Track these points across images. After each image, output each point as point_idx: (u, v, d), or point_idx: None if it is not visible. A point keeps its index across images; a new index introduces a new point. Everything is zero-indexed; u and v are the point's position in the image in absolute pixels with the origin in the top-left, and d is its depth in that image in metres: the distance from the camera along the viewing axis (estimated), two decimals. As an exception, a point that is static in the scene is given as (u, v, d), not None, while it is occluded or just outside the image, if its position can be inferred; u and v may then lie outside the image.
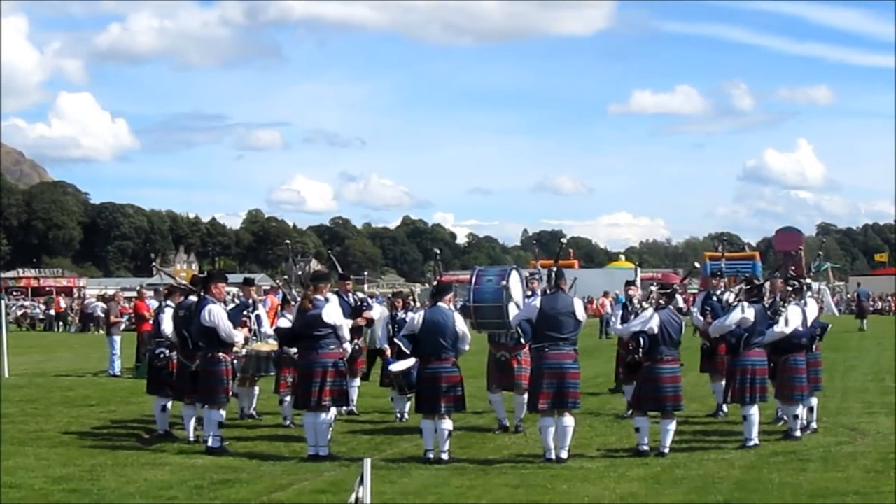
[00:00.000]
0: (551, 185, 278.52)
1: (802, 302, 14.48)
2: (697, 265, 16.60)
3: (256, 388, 16.85)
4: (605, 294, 48.03)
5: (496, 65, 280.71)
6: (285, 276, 19.34)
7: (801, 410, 14.11)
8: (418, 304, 15.54)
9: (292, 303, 15.56)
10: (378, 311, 17.43)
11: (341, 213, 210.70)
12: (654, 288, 13.90)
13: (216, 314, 13.30)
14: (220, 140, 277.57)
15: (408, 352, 12.99)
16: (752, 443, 13.26)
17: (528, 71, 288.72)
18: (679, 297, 15.13)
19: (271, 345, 16.01)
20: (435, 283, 14.18)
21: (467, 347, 13.03)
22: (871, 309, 59.56)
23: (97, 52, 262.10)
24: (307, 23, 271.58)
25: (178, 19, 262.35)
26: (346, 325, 13.39)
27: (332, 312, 13.00)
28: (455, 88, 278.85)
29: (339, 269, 18.00)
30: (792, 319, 13.98)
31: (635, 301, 16.42)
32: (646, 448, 12.84)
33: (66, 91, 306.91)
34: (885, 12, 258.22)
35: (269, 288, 26.80)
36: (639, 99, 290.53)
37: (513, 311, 13.84)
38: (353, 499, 7.16)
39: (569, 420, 12.54)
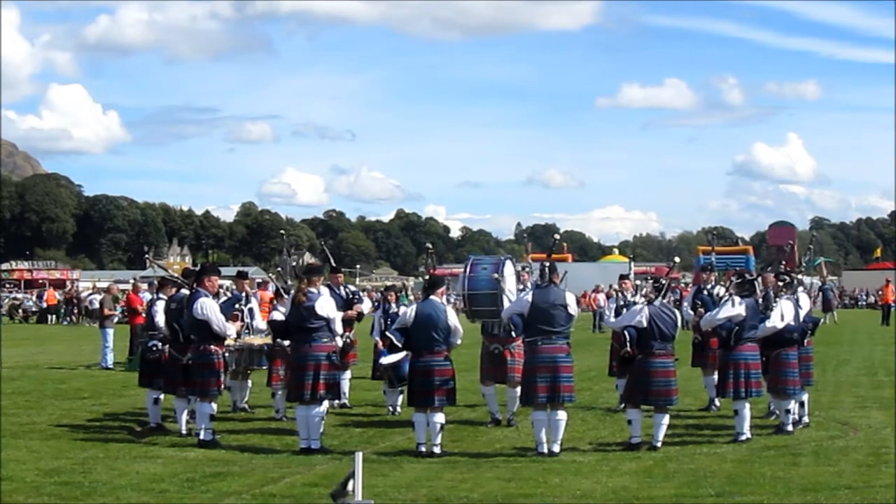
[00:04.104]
0: (541, 178, 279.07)
1: (794, 296, 14.49)
2: (678, 259, 16.60)
3: (249, 382, 16.86)
4: (597, 288, 48.04)
5: (485, 59, 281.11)
6: (279, 269, 19.29)
7: (792, 405, 14.13)
8: (412, 298, 15.50)
9: (285, 296, 15.55)
10: (367, 305, 17.45)
11: (332, 207, 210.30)
12: (638, 282, 13.92)
13: (209, 307, 13.29)
14: (210, 133, 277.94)
15: (399, 345, 12.98)
16: (743, 437, 13.28)
17: (517, 65, 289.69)
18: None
19: (264, 338, 16.00)
20: (427, 276, 14.15)
21: (459, 341, 13.02)
22: (838, 303, 60.76)
23: (86, 45, 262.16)
24: (297, 16, 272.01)
25: (167, 12, 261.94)
26: (338, 317, 13.39)
27: (325, 305, 12.99)
28: (444, 82, 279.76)
29: (332, 261, 18.00)
30: (784, 314, 14.00)
31: (628, 295, 16.44)
32: (638, 442, 12.85)
33: (56, 83, 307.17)
34: (873, 8, 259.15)
35: (261, 281, 26.75)
36: (627, 93, 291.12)
37: (505, 304, 13.84)
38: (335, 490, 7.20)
39: (561, 414, 12.53)
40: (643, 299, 13.46)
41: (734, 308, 13.45)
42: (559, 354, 12.59)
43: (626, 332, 12.98)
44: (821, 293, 51.63)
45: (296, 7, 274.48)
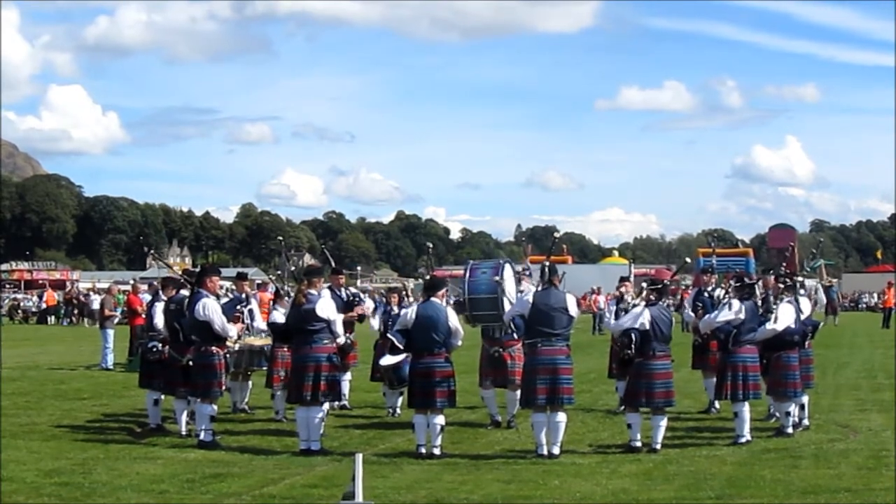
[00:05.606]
0: (540, 180, 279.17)
1: (794, 299, 14.49)
2: (689, 260, 16.61)
3: (249, 383, 16.86)
4: (597, 290, 48.04)
5: (484, 60, 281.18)
6: (279, 271, 19.32)
7: (793, 407, 14.13)
8: (412, 300, 15.50)
9: (285, 298, 15.54)
10: (370, 306, 17.44)
11: (331, 208, 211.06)
12: (644, 284, 13.92)
13: (210, 308, 13.29)
14: (209, 134, 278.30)
15: (400, 346, 12.98)
16: (743, 439, 13.27)
17: (516, 67, 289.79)
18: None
19: (264, 339, 16.00)
20: (427, 277, 14.15)
21: (460, 343, 13.00)
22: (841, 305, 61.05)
23: (85, 46, 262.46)
24: (296, 17, 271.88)
25: (166, 13, 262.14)
26: (339, 319, 13.38)
27: (325, 307, 12.99)
28: (443, 83, 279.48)
29: (333, 263, 17.99)
30: (784, 317, 14.00)
31: (628, 297, 16.43)
32: (638, 444, 12.84)
33: (56, 84, 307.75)
34: (872, 10, 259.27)
35: (260, 283, 26.75)
36: (626, 95, 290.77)
37: (506, 307, 13.83)
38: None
39: (561, 416, 12.52)
40: (643, 301, 13.43)
41: (733, 311, 13.46)
42: (559, 356, 12.59)
43: (632, 334, 12.96)
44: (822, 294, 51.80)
45: (294, 8, 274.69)
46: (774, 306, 13.98)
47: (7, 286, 73.00)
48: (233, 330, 13.98)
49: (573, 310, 12.88)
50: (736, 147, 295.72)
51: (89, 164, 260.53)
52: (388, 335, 13.76)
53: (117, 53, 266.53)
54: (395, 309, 16.47)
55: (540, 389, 12.45)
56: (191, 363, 13.60)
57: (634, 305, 13.70)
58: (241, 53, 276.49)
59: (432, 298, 12.94)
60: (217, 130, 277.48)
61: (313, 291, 13.03)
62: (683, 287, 47.30)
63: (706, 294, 16.61)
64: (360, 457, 7.67)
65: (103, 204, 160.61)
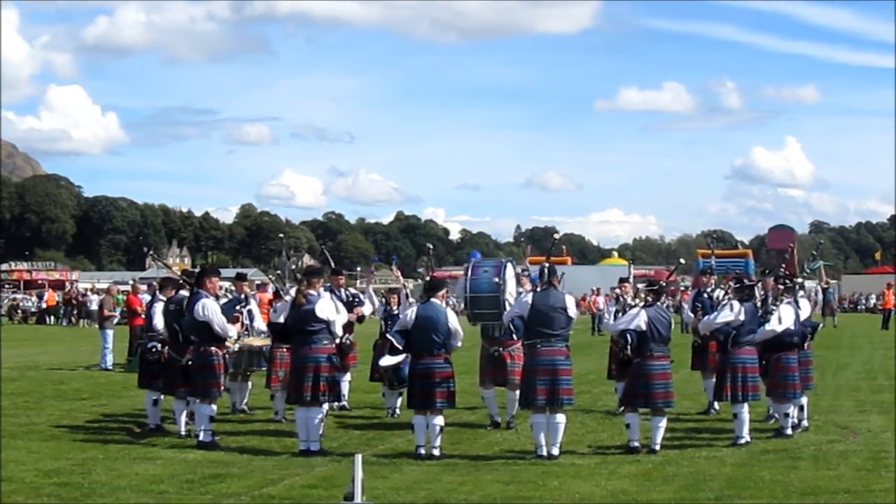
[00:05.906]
0: (540, 181, 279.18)
1: (794, 300, 14.50)
2: (683, 261, 16.58)
3: (248, 383, 16.86)
4: (596, 291, 48.05)
5: (483, 61, 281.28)
6: (278, 271, 19.28)
7: (792, 409, 14.13)
8: (412, 300, 15.50)
9: (285, 298, 15.54)
10: (368, 307, 17.43)
11: (330, 209, 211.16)
12: (640, 286, 13.93)
13: (210, 309, 13.29)
14: (209, 134, 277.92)
15: (400, 347, 12.98)
16: (743, 440, 13.28)
17: (515, 67, 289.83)
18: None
19: (263, 340, 16.00)
20: (428, 278, 14.15)
21: (459, 344, 13.00)
22: (838, 307, 61.16)
23: (85, 46, 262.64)
24: (295, 18, 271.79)
25: (165, 13, 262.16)
26: (339, 319, 13.36)
27: (325, 307, 12.99)
28: (443, 84, 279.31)
29: (332, 263, 17.98)
30: (784, 318, 14.00)
31: (626, 298, 16.44)
32: (637, 445, 12.85)
33: (55, 84, 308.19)
34: (871, 11, 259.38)
35: (260, 283, 26.77)
36: (626, 96, 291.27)
37: (506, 307, 13.82)
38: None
39: (560, 417, 12.53)
40: (641, 302, 13.44)
41: (733, 313, 13.47)
42: (558, 357, 12.59)
43: (627, 335, 12.97)
44: (822, 296, 51.81)
45: (294, 8, 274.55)
46: (774, 308, 13.98)
47: (6, 286, 72.97)
48: (232, 330, 13.99)
49: (572, 310, 12.88)
50: (735, 148, 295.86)
51: (89, 164, 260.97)
52: (388, 336, 13.74)
53: (117, 54, 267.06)
54: (395, 309, 16.48)
55: (539, 390, 12.46)
56: (190, 363, 13.61)
57: (632, 306, 13.69)
58: (241, 54, 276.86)
59: (432, 299, 12.94)
60: (216, 131, 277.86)
61: (313, 292, 13.03)
62: (683, 288, 47.32)
63: (705, 295, 16.61)
64: (359, 457, 7.68)
65: (102, 204, 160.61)
